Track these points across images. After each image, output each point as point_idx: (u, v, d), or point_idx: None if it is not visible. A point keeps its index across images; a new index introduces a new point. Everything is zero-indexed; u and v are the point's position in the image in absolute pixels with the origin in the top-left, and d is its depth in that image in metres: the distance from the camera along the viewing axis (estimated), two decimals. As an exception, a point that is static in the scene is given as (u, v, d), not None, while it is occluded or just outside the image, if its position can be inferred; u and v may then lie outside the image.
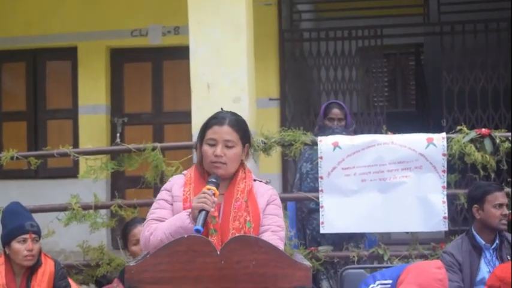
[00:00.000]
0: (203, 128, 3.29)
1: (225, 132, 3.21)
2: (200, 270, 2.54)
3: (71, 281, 4.69)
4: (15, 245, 4.31)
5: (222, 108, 3.39)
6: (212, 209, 3.01)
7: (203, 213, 2.96)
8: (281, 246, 3.07)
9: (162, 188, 3.32)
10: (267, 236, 3.11)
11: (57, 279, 4.46)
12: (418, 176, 5.32)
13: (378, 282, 3.92)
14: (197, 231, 2.90)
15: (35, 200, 6.30)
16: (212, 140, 3.21)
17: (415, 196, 5.34)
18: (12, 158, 5.73)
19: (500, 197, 4.63)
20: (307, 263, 2.68)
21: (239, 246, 2.56)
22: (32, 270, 4.38)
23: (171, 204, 3.22)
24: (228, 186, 3.21)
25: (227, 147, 3.20)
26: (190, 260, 2.54)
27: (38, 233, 4.41)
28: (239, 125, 3.28)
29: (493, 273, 4.15)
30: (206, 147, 3.22)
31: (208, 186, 3.07)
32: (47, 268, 4.42)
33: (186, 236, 2.73)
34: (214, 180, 3.12)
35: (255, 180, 3.35)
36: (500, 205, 4.59)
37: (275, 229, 3.19)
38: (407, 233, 5.72)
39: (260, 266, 2.56)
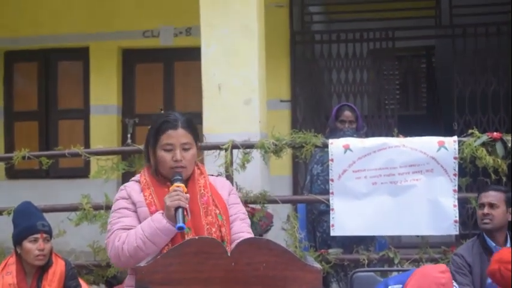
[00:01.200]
0: (156, 132, 3.19)
1: (180, 135, 3.16)
2: (210, 272, 2.53)
3: (81, 281, 4.70)
4: (27, 244, 4.32)
5: (161, 109, 3.36)
6: (187, 205, 3.00)
7: (180, 210, 2.95)
8: (252, 232, 3.19)
9: (117, 198, 3.24)
10: (238, 225, 3.18)
11: (68, 279, 4.47)
12: (429, 179, 5.30)
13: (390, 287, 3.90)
14: (180, 228, 2.90)
15: (46, 199, 6.32)
16: (169, 145, 3.15)
17: (426, 199, 5.32)
18: (23, 157, 5.75)
19: (483, 197, 4.70)
20: (318, 265, 2.67)
21: (250, 248, 2.56)
22: (42, 270, 4.39)
23: (135, 212, 3.15)
24: (187, 184, 3.17)
25: (184, 149, 3.16)
26: (200, 262, 2.53)
27: (49, 232, 4.42)
28: (191, 125, 3.24)
29: (492, 258, 4.13)
30: (163, 153, 3.15)
31: (176, 184, 3.05)
32: (58, 268, 4.43)
33: (197, 237, 2.73)
34: (179, 177, 3.10)
35: (208, 175, 3.34)
36: (482, 205, 4.66)
37: (242, 217, 3.25)
38: (417, 236, 5.70)
39: (270, 268, 2.56)
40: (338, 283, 5.72)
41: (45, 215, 4.67)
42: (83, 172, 8.79)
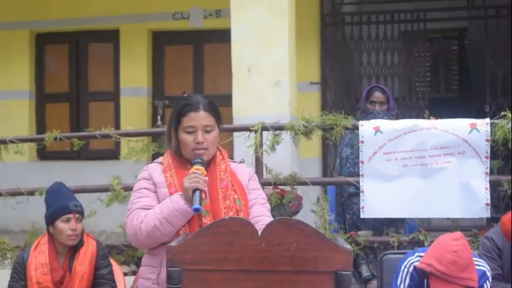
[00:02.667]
0: (177, 115, 3.22)
1: (202, 117, 3.18)
2: (241, 252, 2.53)
3: (112, 261, 4.74)
4: (59, 224, 4.36)
5: (184, 92, 3.37)
6: (205, 188, 3.03)
7: (197, 192, 2.98)
8: (271, 216, 3.20)
9: (139, 178, 3.28)
10: (257, 209, 3.21)
11: (99, 259, 4.50)
12: (460, 161, 5.26)
13: (416, 254, 3.90)
14: (196, 210, 2.94)
15: (77, 181, 6.38)
16: (190, 127, 3.18)
17: (457, 182, 5.28)
18: (55, 138, 5.80)
19: None
20: (348, 246, 2.66)
21: (280, 229, 2.56)
22: (74, 250, 4.42)
23: (155, 192, 3.19)
24: (208, 169, 3.19)
25: (206, 132, 3.19)
26: (231, 242, 2.54)
27: (81, 213, 4.46)
28: (213, 108, 3.25)
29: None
30: (185, 135, 3.19)
31: (196, 167, 3.07)
32: (89, 248, 4.47)
33: (227, 217, 2.74)
34: (200, 160, 3.13)
35: (230, 161, 3.37)
36: None
37: (262, 201, 3.27)
38: (448, 219, 5.67)
39: (300, 248, 2.55)
40: (368, 265, 5.71)
41: (76, 195, 4.71)
42: (113, 154, 8.84)
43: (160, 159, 3.31)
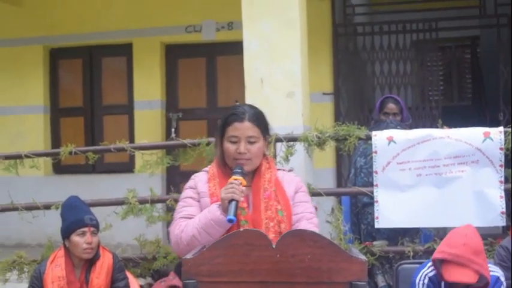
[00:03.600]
0: (223, 124, 3.25)
1: (246, 128, 3.20)
2: (256, 264, 2.55)
3: (128, 273, 4.77)
4: (75, 238, 4.39)
5: (236, 101, 3.39)
6: (241, 199, 3.03)
7: (233, 203, 2.99)
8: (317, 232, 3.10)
9: (186, 187, 3.32)
10: (303, 225, 3.15)
11: (115, 271, 4.53)
12: (474, 170, 5.24)
13: (428, 265, 3.94)
14: (230, 221, 2.95)
15: (92, 194, 6.41)
16: (234, 137, 3.20)
17: (471, 191, 5.26)
18: (70, 153, 5.83)
19: None
20: (363, 257, 2.67)
21: (294, 240, 2.57)
22: (90, 263, 4.45)
23: (198, 201, 3.23)
24: (253, 178, 3.21)
25: (250, 143, 3.20)
26: (246, 254, 2.55)
27: (96, 226, 4.49)
28: (259, 119, 3.27)
29: None
30: (228, 145, 3.21)
31: (234, 177, 3.09)
32: (105, 261, 4.50)
33: (242, 229, 2.76)
34: (239, 170, 3.14)
35: (278, 169, 3.36)
36: None
37: (309, 216, 3.23)
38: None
39: (315, 260, 2.57)
40: (383, 275, 5.70)
41: (91, 209, 4.74)
42: (127, 167, 8.88)
43: (208, 168, 3.35)
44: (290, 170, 3.44)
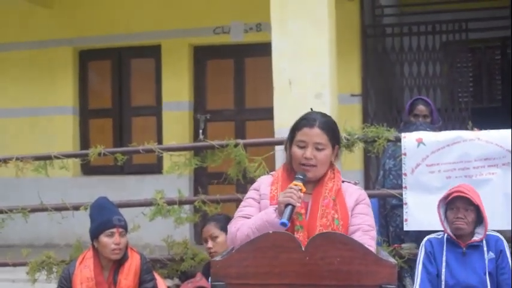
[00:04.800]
0: (293, 128, 3.30)
1: (315, 134, 3.22)
2: (285, 266, 2.54)
3: (156, 274, 4.78)
4: (103, 238, 4.41)
5: (311, 109, 3.39)
6: (298, 204, 3.03)
7: (289, 207, 2.99)
8: (373, 246, 3.09)
9: (251, 188, 3.38)
10: (358, 236, 3.10)
11: (143, 272, 4.55)
12: (505, 173, 5.18)
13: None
14: (283, 224, 2.93)
15: (121, 195, 6.44)
16: (302, 142, 3.23)
17: (501, 193, 5.20)
18: (99, 154, 5.85)
19: None
20: (392, 260, 2.65)
21: (324, 243, 2.56)
22: (119, 264, 4.47)
23: (259, 202, 3.26)
24: (316, 186, 3.22)
25: (317, 149, 3.22)
26: (275, 256, 2.55)
27: (125, 227, 4.51)
28: (329, 127, 3.29)
29: None
30: (296, 149, 3.24)
31: (295, 182, 3.10)
32: (134, 262, 4.51)
33: (271, 231, 2.74)
34: (301, 176, 3.15)
35: (343, 181, 3.36)
36: None
37: (366, 228, 3.19)
38: (493, 230, 5.59)
39: (345, 263, 2.56)
40: (412, 278, 5.65)
41: (120, 210, 4.76)
42: (155, 168, 8.95)
43: (275, 171, 3.41)
44: (356, 183, 3.42)
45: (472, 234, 4.24)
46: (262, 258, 2.55)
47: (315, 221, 3.12)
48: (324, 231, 3.03)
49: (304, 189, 3.09)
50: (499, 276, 4.13)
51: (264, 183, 3.33)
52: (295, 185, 3.08)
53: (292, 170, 3.28)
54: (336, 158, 3.36)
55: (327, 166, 3.28)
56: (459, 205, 4.21)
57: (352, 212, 3.22)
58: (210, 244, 4.83)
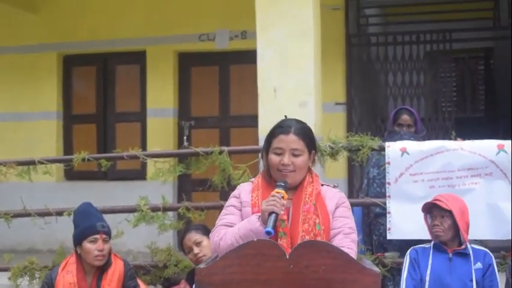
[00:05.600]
0: (269, 136, 3.33)
1: (291, 140, 3.25)
2: (269, 274, 2.55)
3: (139, 281, 4.77)
4: (87, 244, 4.40)
5: (285, 116, 3.42)
6: (281, 212, 3.05)
7: (273, 215, 3.01)
8: (354, 248, 3.13)
9: (231, 195, 3.38)
10: (339, 239, 3.15)
11: (127, 279, 4.53)
12: (488, 183, 5.21)
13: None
14: (268, 233, 2.95)
15: (104, 201, 6.42)
16: (279, 149, 3.25)
17: (484, 203, 5.23)
18: (83, 159, 5.84)
19: None
20: (376, 269, 2.66)
21: (308, 251, 2.57)
22: (102, 270, 4.46)
23: (240, 210, 3.27)
24: (295, 191, 3.24)
25: (294, 155, 3.25)
26: (259, 264, 2.56)
27: (108, 233, 4.50)
28: (305, 133, 3.32)
29: None
30: (273, 156, 3.26)
31: (277, 190, 3.12)
32: (117, 268, 4.50)
33: (255, 239, 2.75)
34: (282, 184, 3.17)
35: (322, 184, 3.38)
36: None
37: (347, 231, 3.22)
38: (476, 240, 5.62)
39: (329, 271, 2.57)
40: (394, 287, 5.67)
41: (103, 216, 4.75)
42: (139, 174, 8.93)
43: (254, 178, 3.41)
44: (335, 186, 3.44)
45: (460, 241, 4.27)
46: (247, 266, 2.56)
47: (297, 227, 3.14)
48: (307, 237, 3.06)
49: (286, 197, 3.11)
50: None
51: (244, 190, 3.34)
52: (278, 192, 3.10)
53: (270, 177, 3.30)
54: (313, 163, 3.40)
55: (305, 171, 3.31)
56: (436, 213, 4.28)
57: (333, 216, 3.25)
58: (196, 250, 4.83)
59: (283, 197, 3.09)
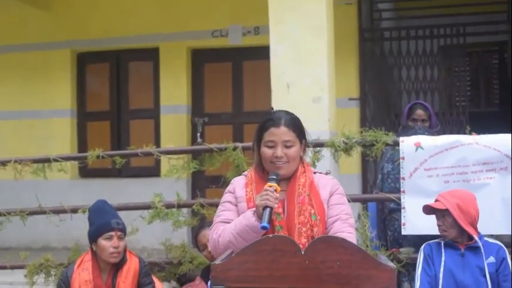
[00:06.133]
0: (259, 130, 3.35)
1: (282, 133, 3.28)
2: (285, 270, 2.54)
3: (154, 278, 4.78)
4: (102, 241, 4.41)
5: (272, 108, 3.44)
6: (275, 205, 3.08)
7: (267, 210, 3.03)
8: (353, 232, 3.21)
9: (226, 191, 3.41)
10: (338, 225, 3.21)
11: (142, 276, 4.54)
12: (503, 177, 5.18)
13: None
14: (263, 228, 2.98)
15: (119, 198, 6.43)
16: (271, 142, 3.28)
17: (499, 198, 5.20)
18: (98, 157, 5.85)
19: None
20: (392, 264, 2.65)
21: (324, 247, 2.56)
22: (117, 267, 4.47)
23: (236, 206, 3.30)
24: (289, 183, 3.27)
25: (286, 147, 3.28)
26: (275, 260, 2.55)
27: (123, 230, 4.51)
28: (295, 124, 3.35)
29: None
30: (265, 149, 3.29)
31: (269, 183, 3.14)
32: (132, 265, 4.51)
33: (271, 235, 2.75)
34: (274, 176, 3.19)
35: (315, 172, 3.41)
36: None
37: (344, 217, 3.27)
38: (491, 235, 5.59)
39: (344, 266, 2.56)
40: (410, 282, 5.65)
41: (118, 213, 4.76)
42: (153, 171, 8.95)
43: (247, 172, 3.43)
44: (327, 173, 3.46)
45: (470, 236, 4.25)
46: (263, 262, 2.55)
47: (293, 219, 3.16)
48: (303, 228, 3.11)
49: (279, 189, 3.14)
50: (501, 283, 4.15)
51: (238, 185, 3.36)
52: (270, 186, 3.12)
53: (263, 170, 3.33)
54: (304, 152, 3.44)
55: (298, 161, 3.34)
56: (437, 213, 4.29)
57: (328, 204, 3.28)
58: (206, 253, 4.86)
59: (276, 190, 3.11)
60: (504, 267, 4.19)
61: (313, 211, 3.19)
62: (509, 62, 11.79)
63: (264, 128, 3.32)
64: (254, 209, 3.12)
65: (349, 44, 8.90)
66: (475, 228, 4.27)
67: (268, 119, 3.34)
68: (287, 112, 3.40)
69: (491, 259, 4.18)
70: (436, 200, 4.33)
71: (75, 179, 9.60)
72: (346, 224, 3.24)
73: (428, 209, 4.38)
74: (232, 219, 3.23)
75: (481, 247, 4.19)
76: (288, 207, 3.20)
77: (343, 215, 3.26)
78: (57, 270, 5.74)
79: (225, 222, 3.24)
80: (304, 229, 3.12)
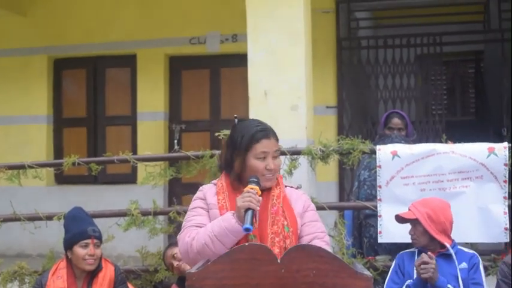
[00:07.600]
0: (248, 141, 3.22)
1: (273, 144, 3.25)
2: (261, 278, 2.54)
3: (130, 285, 4.75)
4: (78, 249, 4.38)
5: (235, 117, 3.39)
6: (257, 208, 3.02)
7: (250, 212, 2.98)
8: (329, 250, 3.10)
9: (194, 198, 3.33)
10: (316, 244, 3.12)
11: (117, 283, 4.52)
12: (478, 186, 5.22)
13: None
14: (246, 230, 2.93)
15: (95, 205, 6.40)
16: (264, 153, 3.21)
17: (475, 206, 5.24)
18: (73, 163, 5.82)
19: None
20: (368, 273, 2.65)
21: (300, 255, 2.56)
22: (92, 275, 4.44)
23: (207, 212, 3.24)
24: (262, 193, 3.20)
25: (274, 157, 3.24)
26: (251, 268, 2.54)
27: (99, 238, 4.48)
28: (276, 135, 3.31)
29: None
30: (257, 162, 3.20)
31: (250, 186, 3.09)
32: (107, 272, 4.48)
33: (247, 244, 2.74)
34: (255, 179, 3.14)
35: (286, 186, 3.38)
36: None
37: (321, 236, 3.25)
38: (466, 243, 5.63)
39: (320, 275, 2.55)
40: (384, 291, 5.67)
41: (94, 220, 4.73)
42: (130, 178, 8.91)
43: (215, 181, 3.36)
44: (298, 187, 3.45)
45: (442, 244, 4.28)
46: (238, 270, 2.54)
47: (266, 228, 3.12)
48: (276, 238, 3.07)
49: (259, 192, 3.09)
50: (470, 286, 4.18)
51: (208, 192, 3.29)
52: (252, 188, 3.07)
53: (240, 180, 3.24)
54: None
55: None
56: (410, 222, 4.35)
57: (303, 221, 3.25)
58: (177, 263, 4.85)
59: (257, 193, 3.06)
60: (474, 271, 4.23)
61: (286, 222, 3.16)
62: (485, 72, 11.90)
63: (255, 139, 3.21)
64: (233, 211, 3.06)
65: (327, 52, 8.93)
66: (448, 236, 4.30)
67: (260, 129, 3.25)
68: (263, 122, 3.36)
69: (464, 265, 4.23)
70: (409, 209, 4.38)
71: (50, 185, 9.52)
72: (323, 242, 3.20)
73: (400, 218, 4.42)
74: (205, 223, 3.16)
75: (453, 254, 4.22)
76: (260, 217, 3.14)
77: (319, 233, 3.24)
78: (32, 277, 5.70)
79: (198, 226, 3.17)
80: (277, 239, 3.08)
